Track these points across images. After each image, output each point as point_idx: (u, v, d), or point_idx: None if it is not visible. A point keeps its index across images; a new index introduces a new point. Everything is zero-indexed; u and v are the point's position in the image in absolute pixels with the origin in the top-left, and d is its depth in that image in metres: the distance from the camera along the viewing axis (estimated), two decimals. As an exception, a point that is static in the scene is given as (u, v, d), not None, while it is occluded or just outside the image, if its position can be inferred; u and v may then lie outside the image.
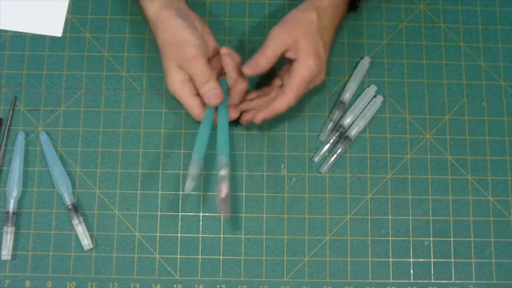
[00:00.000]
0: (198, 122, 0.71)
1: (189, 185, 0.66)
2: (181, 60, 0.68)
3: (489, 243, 0.73)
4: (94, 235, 0.72)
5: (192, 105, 0.69)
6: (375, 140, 0.75)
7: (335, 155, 0.74)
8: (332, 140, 0.74)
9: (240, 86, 0.70)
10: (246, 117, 0.72)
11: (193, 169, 0.67)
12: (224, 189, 0.66)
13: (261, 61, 0.68)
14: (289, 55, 0.69)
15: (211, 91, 0.68)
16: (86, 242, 0.71)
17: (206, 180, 0.74)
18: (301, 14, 0.69)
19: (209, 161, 0.74)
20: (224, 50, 0.69)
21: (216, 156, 0.68)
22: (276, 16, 0.78)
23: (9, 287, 0.71)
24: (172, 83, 0.69)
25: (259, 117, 0.70)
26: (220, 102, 0.68)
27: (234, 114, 0.71)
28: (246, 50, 0.77)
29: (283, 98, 0.68)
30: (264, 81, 0.74)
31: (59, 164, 0.73)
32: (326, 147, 0.74)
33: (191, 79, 0.69)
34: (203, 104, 0.69)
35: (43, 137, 0.74)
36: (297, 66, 0.68)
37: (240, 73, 0.70)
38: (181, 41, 0.68)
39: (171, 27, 0.68)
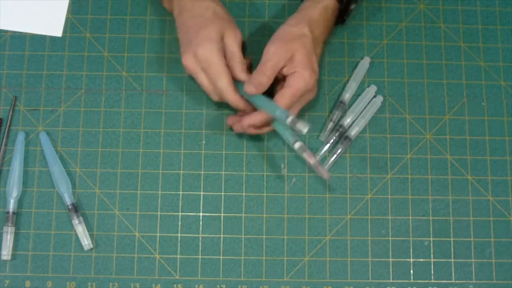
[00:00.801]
0: (199, 122, 0.72)
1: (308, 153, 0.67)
2: (229, 34, 0.68)
3: (489, 243, 0.73)
4: (94, 235, 0.72)
5: (227, 72, 0.68)
6: (375, 140, 0.75)
7: (335, 155, 0.74)
8: (332, 140, 0.74)
9: (247, 62, 0.72)
10: (237, 126, 0.71)
11: (300, 143, 0.67)
12: (310, 156, 0.67)
13: (263, 80, 0.67)
14: (285, 71, 0.68)
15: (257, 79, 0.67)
16: (86, 242, 0.71)
17: (206, 180, 0.74)
18: (294, 29, 0.69)
19: (208, 161, 0.74)
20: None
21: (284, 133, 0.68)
22: (276, 16, 0.78)
23: (9, 287, 0.71)
24: (212, 49, 0.67)
25: (246, 121, 0.69)
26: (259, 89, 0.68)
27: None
28: (246, 50, 0.77)
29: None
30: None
31: (59, 164, 0.73)
32: (326, 147, 0.74)
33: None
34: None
35: (43, 137, 0.74)
36: (292, 78, 0.67)
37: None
38: (232, 20, 0.71)
39: (220, 3, 0.71)
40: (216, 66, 0.67)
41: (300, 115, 0.75)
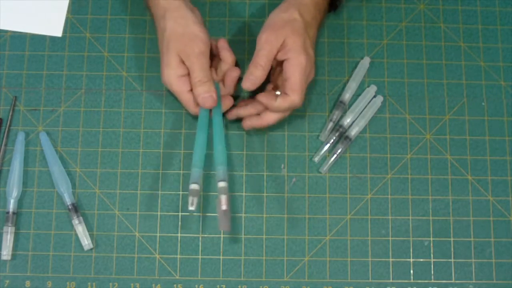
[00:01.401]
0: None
1: (193, 201, 0.65)
2: (186, 54, 0.68)
3: (489, 243, 0.73)
4: (94, 235, 0.72)
5: (190, 100, 0.69)
6: (375, 140, 0.75)
7: (335, 155, 0.74)
8: (332, 140, 0.74)
9: (234, 73, 0.71)
10: (247, 123, 0.72)
11: (195, 185, 0.66)
12: (224, 201, 0.66)
13: (258, 73, 0.67)
14: (279, 56, 0.68)
15: (208, 93, 0.68)
16: (86, 242, 0.71)
17: (206, 180, 0.74)
18: (284, 14, 0.69)
19: (208, 161, 0.74)
20: (222, 42, 0.72)
21: (214, 166, 0.69)
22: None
23: (9, 287, 0.71)
24: (170, 76, 0.68)
25: (264, 120, 0.70)
26: (213, 106, 0.69)
27: (229, 102, 0.72)
28: (246, 50, 0.77)
29: (286, 100, 0.68)
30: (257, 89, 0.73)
31: (59, 164, 0.73)
32: (326, 147, 0.74)
33: (189, 75, 0.69)
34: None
35: (43, 137, 0.74)
36: (289, 65, 0.67)
37: (234, 63, 0.72)
38: (191, 34, 0.68)
39: (183, 18, 0.69)
40: (174, 88, 0.69)
41: (300, 115, 0.75)
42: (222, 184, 0.67)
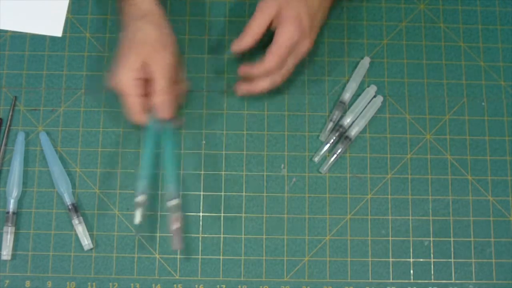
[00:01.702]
0: (199, 122, 0.72)
1: (138, 216, 0.68)
2: (156, 60, 0.67)
3: (489, 243, 0.73)
4: (94, 235, 0.72)
5: (137, 104, 0.68)
6: (375, 140, 0.75)
7: (335, 155, 0.74)
8: (332, 140, 0.74)
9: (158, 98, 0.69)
10: (240, 87, 0.72)
11: (142, 197, 0.68)
12: (176, 220, 0.68)
13: (246, 39, 0.68)
14: (274, 25, 0.69)
15: (169, 102, 0.68)
16: (86, 242, 0.71)
17: (206, 180, 0.74)
18: None
19: (208, 161, 0.74)
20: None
21: (165, 186, 0.71)
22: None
23: (9, 287, 0.71)
24: (125, 76, 0.67)
25: (243, 88, 0.71)
26: (168, 117, 0.69)
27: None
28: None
29: (260, 65, 0.69)
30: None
31: (59, 164, 0.73)
32: (326, 147, 0.74)
33: (146, 81, 0.68)
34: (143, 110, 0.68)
35: (43, 137, 0.74)
36: (277, 33, 0.68)
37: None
38: (167, 43, 0.68)
39: (162, 26, 0.69)
40: (126, 90, 0.67)
41: (300, 115, 0.75)
42: (173, 202, 0.69)
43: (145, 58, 0.67)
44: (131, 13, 0.70)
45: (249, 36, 0.68)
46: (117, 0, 0.74)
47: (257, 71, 0.69)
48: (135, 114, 0.68)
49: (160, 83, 0.67)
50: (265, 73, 0.69)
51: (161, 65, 0.67)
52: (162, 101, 0.68)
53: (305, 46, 0.70)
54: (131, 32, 0.69)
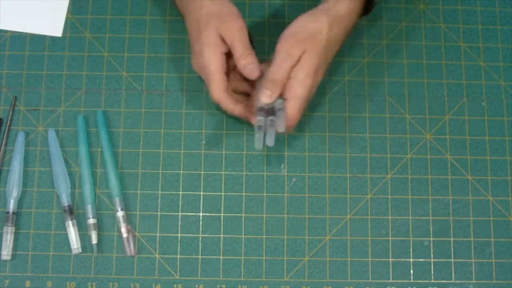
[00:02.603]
0: (199, 122, 0.71)
1: (95, 237, 0.71)
2: (227, 29, 0.66)
3: (489, 243, 0.73)
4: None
5: (221, 81, 0.67)
6: (375, 140, 0.75)
7: (272, 127, 0.67)
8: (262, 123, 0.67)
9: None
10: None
11: (93, 220, 0.72)
12: (124, 229, 0.71)
13: (276, 89, 0.65)
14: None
15: (252, 64, 0.67)
16: (75, 246, 0.71)
17: (206, 180, 0.74)
18: (311, 24, 0.65)
19: (208, 161, 0.74)
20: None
21: (111, 197, 0.72)
22: (276, 16, 0.78)
23: (9, 287, 0.71)
24: (210, 52, 0.66)
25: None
26: (258, 76, 0.67)
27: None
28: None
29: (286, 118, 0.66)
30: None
31: (62, 164, 0.73)
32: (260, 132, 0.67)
33: (226, 55, 0.67)
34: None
35: (51, 134, 0.74)
36: (295, 86, 0.65)
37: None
38: (230, 11, 0.67)
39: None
40: (212, 67, 0.67)
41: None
42: (121, 213, 0.71)
43: (217, 30, 0.67)
44: None
45: (279, 87, 0.65)
46: None
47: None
48: (218, 92, 0.67)
49: (238, 50, 0.66)
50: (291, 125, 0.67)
51: (233, 32, 0.66)
52: (245, 64, 0.67)
53: (312, 94, 0.69)
54: (193, 12, 0.68)
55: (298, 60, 0.65)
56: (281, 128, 0.65)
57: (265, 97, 0.65)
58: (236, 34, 0.66)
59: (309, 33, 0.65)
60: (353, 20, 0.69)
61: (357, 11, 0.68)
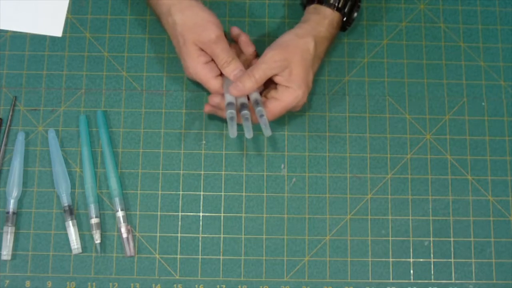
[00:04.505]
0: (199, 122, 0.71)
1: (98, 237, 0.71)
2: (204, 41, 0.68)
3: (489, 243, 0.73)
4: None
5: (218, 85, 0.69)
6: (375, 140, 0.75)
7: (262, 116, 0.67)
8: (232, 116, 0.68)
9: (250, 50, 0.73)
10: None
11: (96, 220, 0.72)
12: (124, 229, 0.71)
13: (249, 84, 0.67)
14: (279, 80, 0.68)
15: (237, 69, 0.68)
16: (76, 246, 0.71)
17: (206, 180, 0.74)
18: (299, 40, 0.68)
19: (208, 161, 0.74)
20: (235, 30, 0.73)
21: (111, 197, 0.72)
22: (276, 16, 0.78)
23: (9, 287, 0.71)
24: (194, 65, 0.69)
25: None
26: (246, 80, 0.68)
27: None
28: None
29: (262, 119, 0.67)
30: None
31: (63, 164, 0.73)
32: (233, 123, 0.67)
33: (212, 61, 0.69)
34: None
35: (51, 134, 0.74)
36: (285, 93, 0.68)
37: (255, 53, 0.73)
38: (203, 21, 0.68)
39: (188, 8, 0.69)
40: (201, 77, 0.69)
41: (300, 115, 0.75)
42: (121, 213, 0.71)
43: (196, 43, 0.68)
44: (159, 11, 0.72)
45: (253, 83, 0.67)
46: (145, 1, 0.77)
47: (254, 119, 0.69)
48: (218, 95, 0.69)
49: (220, 59, 0.68)
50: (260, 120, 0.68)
51: (211, 44, 0.68)
52: (230, 71, 0.68)
53: (299, 108, 0.71)
54: (170, 28, 0.70)
55: (280, 70, 0.67)
56: (267, 133, 0.66)
57: (235, 89, 0.67)
58: (214, 44, 0.68)
59: (297, 48, 0.68)
60: (331, 42, 0.72)
61: (333, 33, 0.72)
